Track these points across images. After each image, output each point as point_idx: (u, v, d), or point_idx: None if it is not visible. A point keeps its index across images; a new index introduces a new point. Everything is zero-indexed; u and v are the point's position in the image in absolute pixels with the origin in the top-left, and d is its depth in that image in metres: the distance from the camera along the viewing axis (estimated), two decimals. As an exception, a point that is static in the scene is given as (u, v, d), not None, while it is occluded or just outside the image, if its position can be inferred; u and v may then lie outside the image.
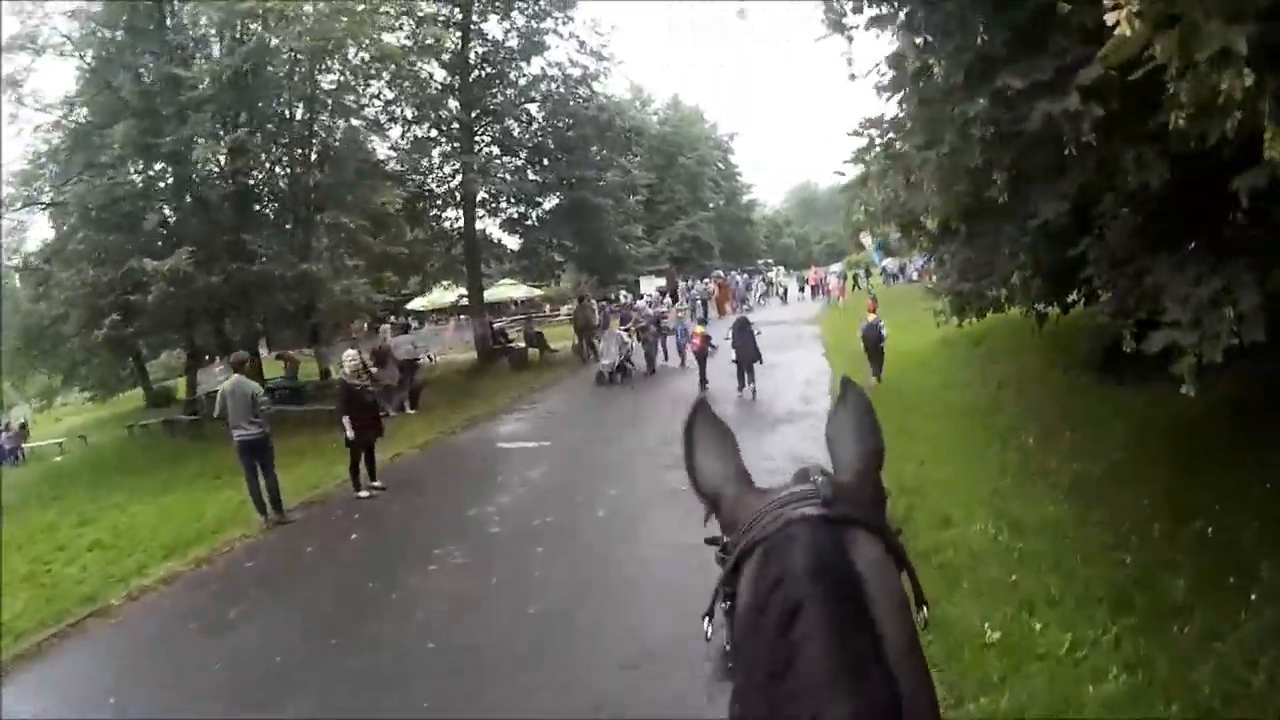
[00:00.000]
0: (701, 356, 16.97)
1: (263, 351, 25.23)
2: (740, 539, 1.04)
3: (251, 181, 18.69)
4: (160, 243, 17.05)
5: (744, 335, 15.73)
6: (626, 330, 20.38)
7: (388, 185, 20.37)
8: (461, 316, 43.53)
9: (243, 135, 16.61)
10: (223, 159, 16.48)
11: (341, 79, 20.43)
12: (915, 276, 43.22)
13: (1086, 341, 10.29)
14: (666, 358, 21.06)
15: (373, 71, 20.74)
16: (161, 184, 18.60)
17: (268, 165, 19.38)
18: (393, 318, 47.41)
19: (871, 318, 16.61)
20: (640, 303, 22.63)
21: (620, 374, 19.17)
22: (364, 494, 11.38)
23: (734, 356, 15.80)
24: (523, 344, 26.47)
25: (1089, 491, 8.20)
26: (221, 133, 16.57)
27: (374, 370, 18.99)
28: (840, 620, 0.88)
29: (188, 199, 17.80)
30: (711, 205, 58.86)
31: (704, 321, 19.51)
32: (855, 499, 1.04)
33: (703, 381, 16.63)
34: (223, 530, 10.46)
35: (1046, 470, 9.73)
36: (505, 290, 40.46)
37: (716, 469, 1.19)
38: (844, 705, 0.81)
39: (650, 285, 48.19)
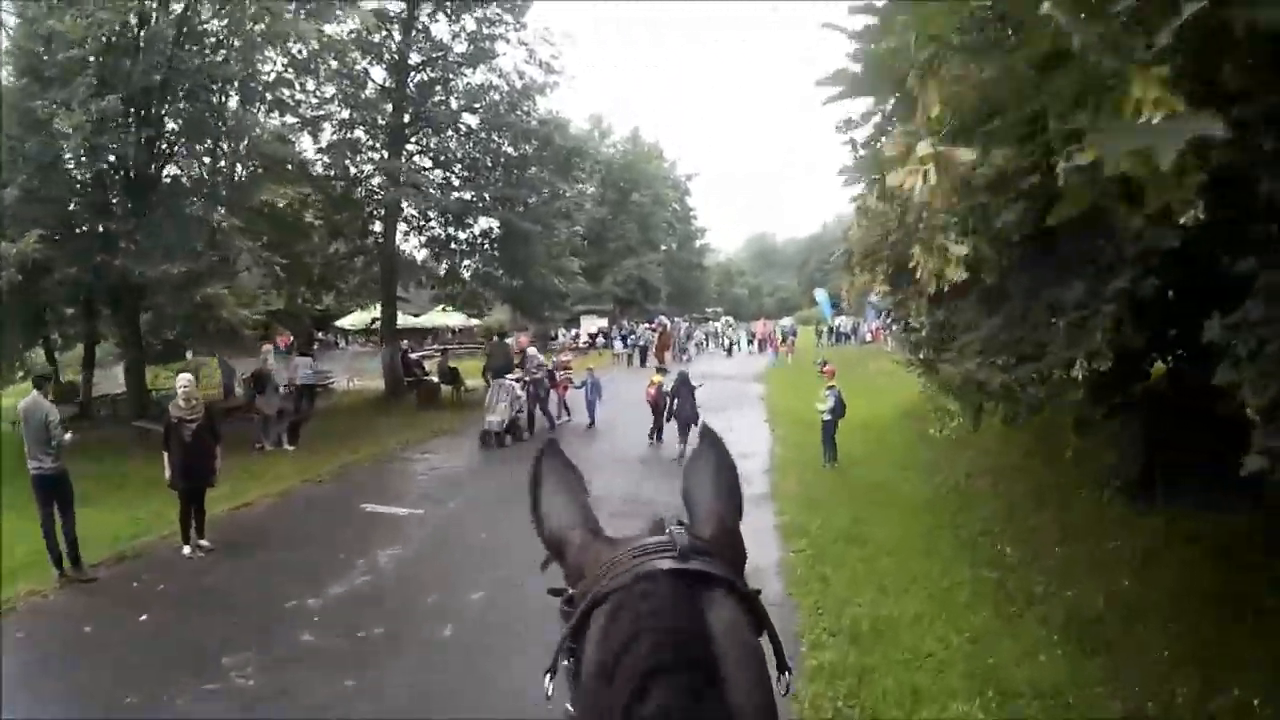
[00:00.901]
0: (656, 409, 15.68)
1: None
2: (588, 590, 0.96)
3: (129, 165, 16.06)
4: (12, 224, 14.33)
5: (684, 392, 14.74)
6: (520, 380, 17.40)
7: (289, 189, 17.71)
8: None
9: (113, 103, 13.87)
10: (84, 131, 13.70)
11: (279, 71, 18.24)
12: (869, 337, 41.87)
13: (1111, 453, 8.16)
14: (569, 415, 18.68)
15: (313, 66, 18.57)
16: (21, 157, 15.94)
17: (157, 148, 16.75)
18: (320, 334, 45.09)
19: (829, 384, 14.28)
20: (531, 350, 19.78)
21: (509, 434, 16.12)
22: (188, 551, 9.25)
23: (669, 416, 14.99)
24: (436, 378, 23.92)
25: (1088, 631, 6.84)
26: (91, 104, 13.89)
27: (253, 397, 16.86)
28: (691, 694, 0.80)
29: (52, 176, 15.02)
30: (663, 247, 56.85)
31: (663, 370, 17.80)
32: (713, 553, 0.96)
33: (655, 433, 15.82)
34: (15, 581, 8.37)
35: (1032, 596, 8.03)
36: (438, 317, 37.72)
37: (563, 513, 1.12)
38: None
39: (591, 325, 46.13)
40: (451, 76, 22.64)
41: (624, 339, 37.18)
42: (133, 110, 15.10)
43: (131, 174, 15.89)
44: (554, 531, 1.11)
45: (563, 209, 24.27)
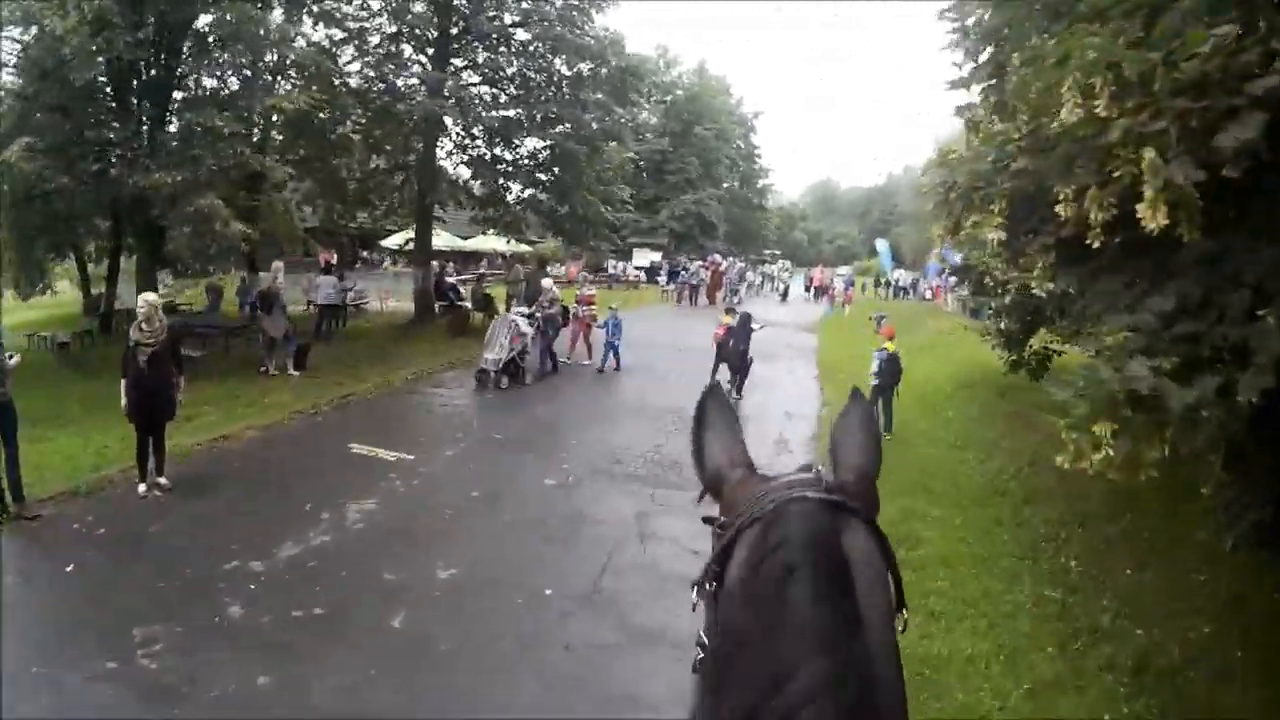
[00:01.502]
0: (722, 350, 14.27)
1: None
2: (737, 518, 1.05)
3: (139, 72, 15.00)
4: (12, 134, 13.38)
5: (740, 335, 13.89)
6: (529, 315, 15.68)
7: (322, 99, 16.34)
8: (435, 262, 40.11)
9: (108, 3, 12.56)
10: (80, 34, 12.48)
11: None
12: (928, 295, 39.71)
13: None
14: (590, 357, 17.06)
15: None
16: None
17: (180, 55, 15.64)
18: (365, 253, 44.33)
19: (891, 347, 12.62)
20: (545, 281, 18.05)
21: (507, 376, 14.36)
22: (143, 490, 8.29)
23: (720, 358, 14.18)
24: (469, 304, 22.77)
25: (1163, 686, 5.81)
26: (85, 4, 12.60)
27: (259, 316, 15.79)
28: (827, 591, 0.88)
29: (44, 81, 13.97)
30: (725, 185, 54.65)
31: (732, 311, 15.63)
32: (852, 494, 1.04)
33: (714, 373, 13.92)
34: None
35: (1098, 629, 6.86)
36: (486, 241, 36.40)
37: (722, 452, 1.18)
38: (824, 662, 0.82)
39: (643, 258, 44.61)
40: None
41: (672, 274, 35.36)
42: (138, 12, 13.80)
43: (143, 80, 14.83)
44: (714, 469, 1.17)
45: (614, 131, 22.56)
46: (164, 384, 8.20)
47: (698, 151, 49.62)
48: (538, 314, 15.61)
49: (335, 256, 44.56)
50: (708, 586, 1.06)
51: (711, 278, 32.33)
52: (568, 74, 21.68)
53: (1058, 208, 4.04)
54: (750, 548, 0.99)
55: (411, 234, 24.05)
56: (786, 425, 12.63)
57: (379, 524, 7.84)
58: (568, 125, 21.16)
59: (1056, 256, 5.30)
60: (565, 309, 16.99)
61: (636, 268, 43.06)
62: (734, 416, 1.25)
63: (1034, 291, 6.72)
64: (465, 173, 22.68)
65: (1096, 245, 3.88)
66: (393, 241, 42.03)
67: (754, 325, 14.38)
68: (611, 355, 16.33)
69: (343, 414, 12.52)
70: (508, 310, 17.16)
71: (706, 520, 1.15)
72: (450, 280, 25.06)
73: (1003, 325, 9.39)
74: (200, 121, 13.87)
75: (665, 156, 49.23)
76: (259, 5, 15.78)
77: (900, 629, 0.99)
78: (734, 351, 13.79)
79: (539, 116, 20.90)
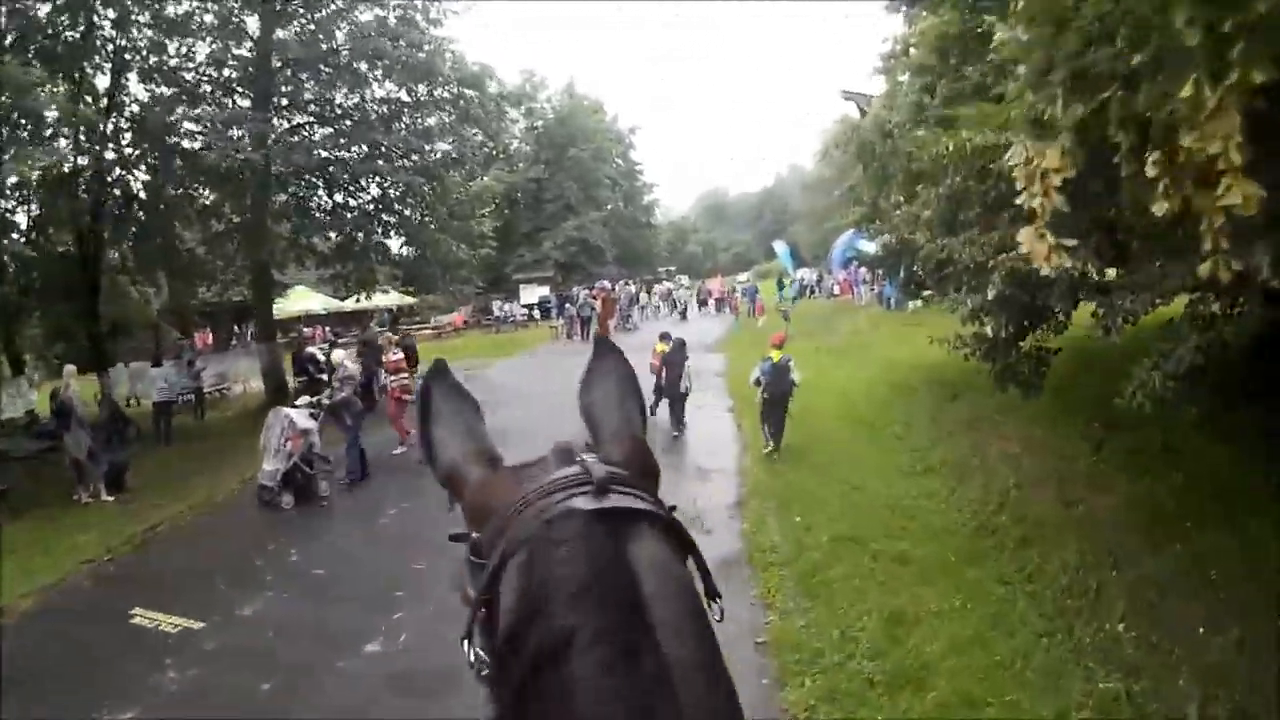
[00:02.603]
0: (662, 388, 12.91)
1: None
2: (497, 538, 0.82)
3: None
4: None
5: (674, 361, 12.67)
6: (311, 406, 11.83)
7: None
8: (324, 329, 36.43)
9: None
10: None
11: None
12: (836, 290, 38.01)
13: None
14: (404, 445, 12.91)
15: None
16: None
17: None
18: (237, 328, 40.40)
19: (777, 356, 11.36)
20: (337, 353, 13.86)
21: (293, 492, 10.75)
22: None
23: (656, 390, 12.78)
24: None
25: None
26: None
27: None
28: (619, 656, 0.70)
29: None
30: (608, 206, 52.21)
31: (666, 336, 13.88)
32: (630, 482, 0.85)
33: (653, 407, 12.50)
34: None
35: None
36: (387, 299, 32.49)
37: (456, 444, 0.98)
38: None
39: (531, 294, 41.99)
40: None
41: (560, 308, 32.65)
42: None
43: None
44: (448, 466, 0.96)
45: (463, 157, 19.87)
46: None
47: (575, 175, 47.10)
48: (325, 400, 12.11)
49: (210, 337, 41.00)
50: (480, 619, 0.81)
51: (603, 306, 29.82)
52: (405, 98, 19.01)
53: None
54: (518, 597, 0.76)
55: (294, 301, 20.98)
56: (701, 489, 10.08)
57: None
58: (412, 157, 18.42)
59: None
60: (367, 385, 13.74)
61: (524, 306, 40.32)
62: (469, 399, 1.04)
63: (1045, 274, 4.46)
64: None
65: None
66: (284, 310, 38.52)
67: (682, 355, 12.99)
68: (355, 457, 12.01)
69: (142, 557, 9.79)
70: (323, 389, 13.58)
71: (454, 538, 0.91)
72: (312, 350, 21.88)
73: (983, 326, 7.13)
74: None
75: (541, 185, 46.66)
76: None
77: (716, 619, 0.81)
78: (670, 380, 12.64)
79: (371, 149, 18.10)
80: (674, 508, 0.88)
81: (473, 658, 0.81)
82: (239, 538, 10.19)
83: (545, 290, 41.53)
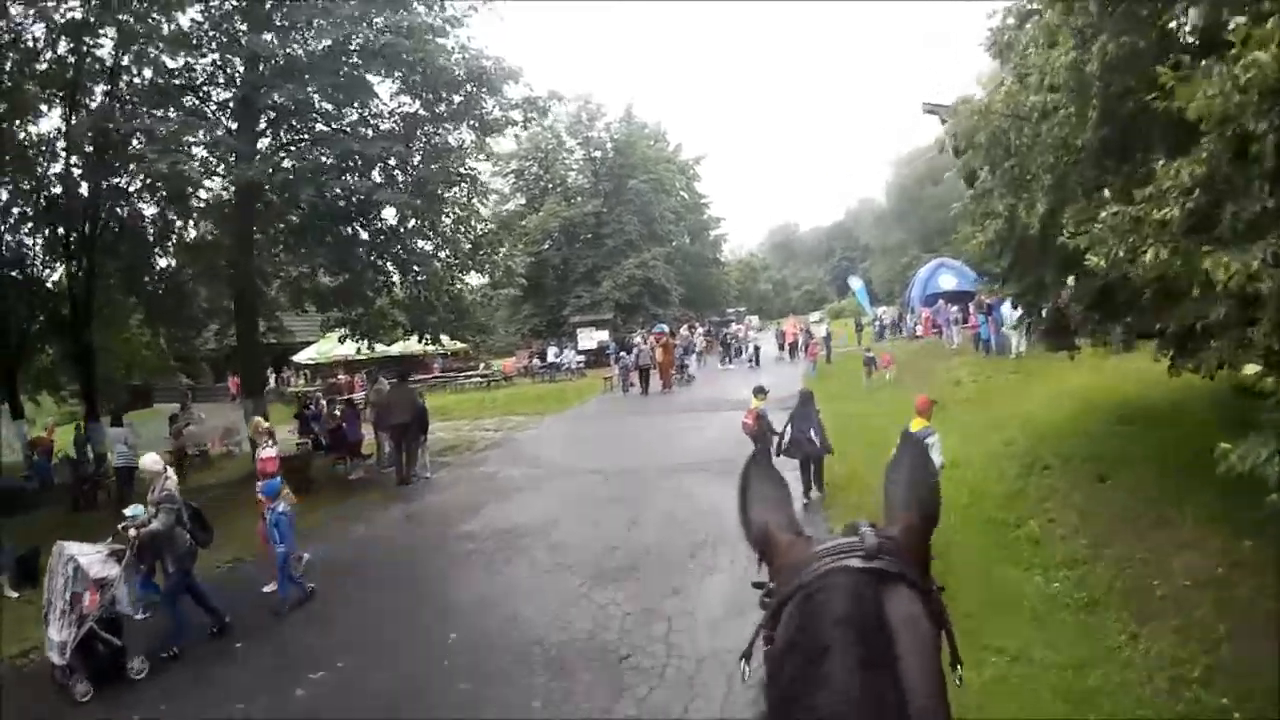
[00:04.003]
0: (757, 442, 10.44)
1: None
2: (783, 586, 1.06)
3: None
4: None
5: (803, 415, 10.74)
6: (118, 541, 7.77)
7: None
8: (342, 374, 33.60)
9: None
10: None
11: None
12: (918, 330, 33.81)
13: None
14: (286, 588, 8.68)
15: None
16: None
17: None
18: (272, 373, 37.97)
19: (917, 426, 8.63)
20: (148, 460, 8.34)
21: (89, 672, 6.97)
22: None
23: (779, 451, 10.46)
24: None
25: None
26: None
27: None
28: (864, 668, 0.88)
29: None
30: (673, 242, 48.76)
31: (761, 392, 11.79)
32: (899, 553, 1.04)
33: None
34: None
35: None
36: (409, 346, 29.64)
37: (769, 518, 1.18)
38: None
39: (589, 338, 38.58)
40: None
41: (616, 356, 29.01)
42: None
43: None
44: (762, 535, 1.16)
45: (456, 170, 16.32)
46: None
47: (636, 208, 43.62)
48: (136, 531, 7.74)
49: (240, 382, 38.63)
50: (763, 648, 1.06)
51: (663, 354, 26.19)
52: (422, 111, 15.81)
53: None
54: (789, 623, 1.00)
55: (331, 345, 17.77)
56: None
57: None
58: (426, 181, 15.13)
59: None
60: (196, 512, 8.37)
61: (580, 352, 36.81)
62: (780, 481, 1.26)
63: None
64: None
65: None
66: (305, 356, 35.85)
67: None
68: (286, 582, 8.73)
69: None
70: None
71: (756, 585, 1.15)
72: (315, 408, 18.71)
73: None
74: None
75: (600, 219, 43.46)
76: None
77: (956, 683, 1.03)
78: (799, 440, 10.53)
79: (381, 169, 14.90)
80: (943, 588, 1.08)
81: (746, 674, 1.15)
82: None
83: (604, 334, 38.06)
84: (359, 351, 28.84)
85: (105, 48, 13.90)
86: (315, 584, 9.07)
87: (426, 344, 17.42)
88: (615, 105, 64.48)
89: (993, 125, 7.71)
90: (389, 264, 15.73)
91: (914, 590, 0.99)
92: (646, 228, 44.21)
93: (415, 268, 15.61)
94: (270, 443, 10.31)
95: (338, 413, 15.68)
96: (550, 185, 45.32)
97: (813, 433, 10.61)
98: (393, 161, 15.32)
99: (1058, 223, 7.03)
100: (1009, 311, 20.28)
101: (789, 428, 10.80)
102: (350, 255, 15.59)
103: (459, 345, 29.96)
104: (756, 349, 32.31)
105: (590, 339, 38.19)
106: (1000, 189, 7.99)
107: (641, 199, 43.85)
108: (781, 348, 33.45)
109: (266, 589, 8.95)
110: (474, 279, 17.00)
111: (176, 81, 14.62)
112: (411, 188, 14.96)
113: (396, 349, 29.58)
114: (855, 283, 48.95)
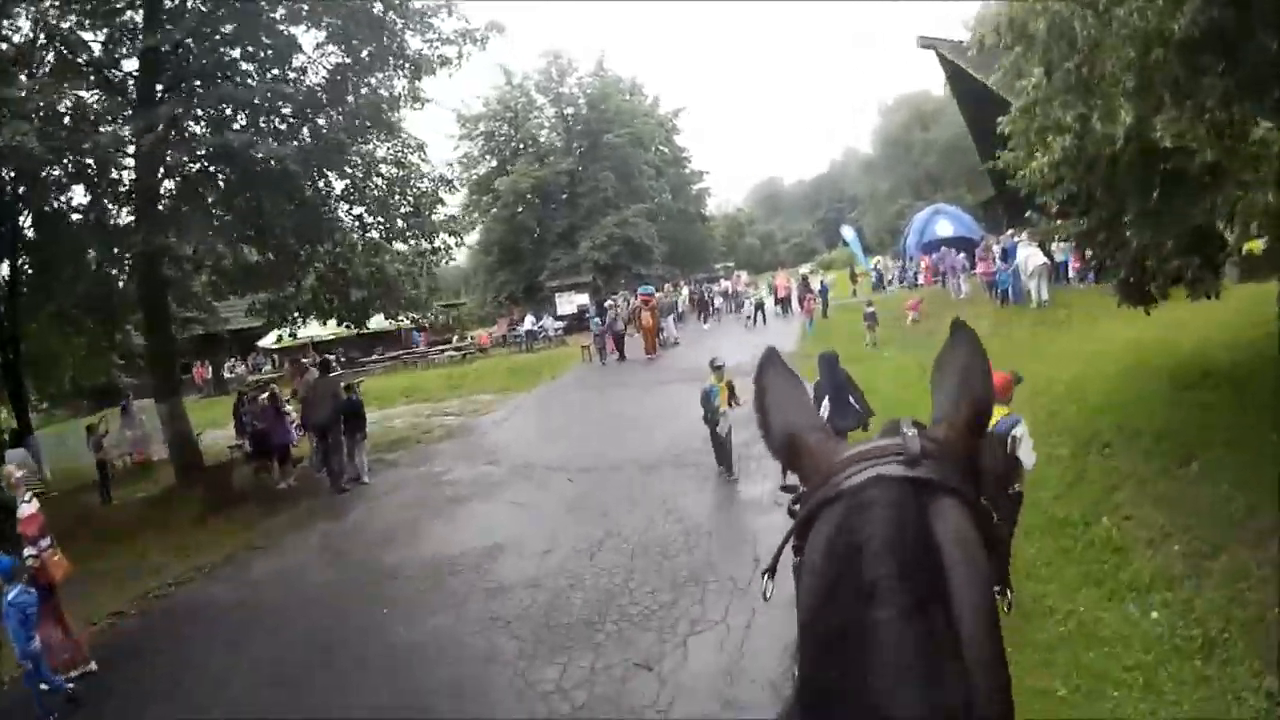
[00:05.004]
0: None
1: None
2: (815, 491, 0.92)
3: None
4: None
5: (840, 384, 9.33)
6: None
7: None
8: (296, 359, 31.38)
9: None
10: None
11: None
12: (919, 280, 31.74)
13: None
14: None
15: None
16: None
17: None
18: (235, 359, 35.72)
19: (998, 414, 5.82)
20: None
21: None
22: None
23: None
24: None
25: None
26: None
27: None
28: (916, 608, 0.77)
29: None
30: (654, 199, 46.36)
31: (718, 366, 11.03)
32: (946, 458, 0.90)
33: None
34: None
35: None
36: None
37: (790, 415, 1.05)
38: (913, 708, 0.73)
39: (568, 303, 36.48)
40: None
41: (597, 318, 26.17)
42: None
43: None
44: (785, 435, 1.02)
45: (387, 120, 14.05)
46: None
47: (612, 165, 41.30)
48: None
49: (209, 370, 36.33)
50: (793, 561, 0.93)
51: (649, 316, 24.15)
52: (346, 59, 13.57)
53: None
54: (825, 545, 0.86)
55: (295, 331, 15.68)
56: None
57: None
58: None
59: None
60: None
61: (559, 318, 34.73)
62: (798, 380, 1.12)
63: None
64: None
65: None
66: (269, 341, 33.51)
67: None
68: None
69: None
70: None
71: (785, 489, 1.04)
72: (249, 405, 16.59)
73: None
74: None
75: (575, 177, 41.15)
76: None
77: (1005, 610, 0.90)
78: (846, 411, 9.26)
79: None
80: (990, 506, 0.92)
81: (768, 592, 1.00)
82: None
83: (584, 298, 35.93)
84: (332, 331, 26.65)
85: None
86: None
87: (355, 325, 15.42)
88: (586, 60, 61.50)
89: (1052, 11, 5.75)
90: (308, 236, 13.45)
91: (962, 503, 0.86)
92: (625, 184, 41.90)
93: (334, 236, 13.40)
94: (26, 498, 7.34)
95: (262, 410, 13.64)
96: (522, 146, 42.87)
97: (852, 399, 9.45)
98: (321, 121, 13.24)
99: (1148, 136, 5.07)
100: (1025, 253, 18.58)
101: (827, 401, 9.32)
102: (269, 229, 13.44)
103: (437, 319, 27.70)
104: (758, 305, 29.48)
105: (570, 304, 36.12)
106: (1064, 95, 5.98)
107: (618, 155, 41.51)
108: (777, 303, 31.10)
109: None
110: (412, 245, 14.65)
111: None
112: (334, 146, 12.80)
113: (374, 325, 27.57)
114: (848, 232, 46.77)
